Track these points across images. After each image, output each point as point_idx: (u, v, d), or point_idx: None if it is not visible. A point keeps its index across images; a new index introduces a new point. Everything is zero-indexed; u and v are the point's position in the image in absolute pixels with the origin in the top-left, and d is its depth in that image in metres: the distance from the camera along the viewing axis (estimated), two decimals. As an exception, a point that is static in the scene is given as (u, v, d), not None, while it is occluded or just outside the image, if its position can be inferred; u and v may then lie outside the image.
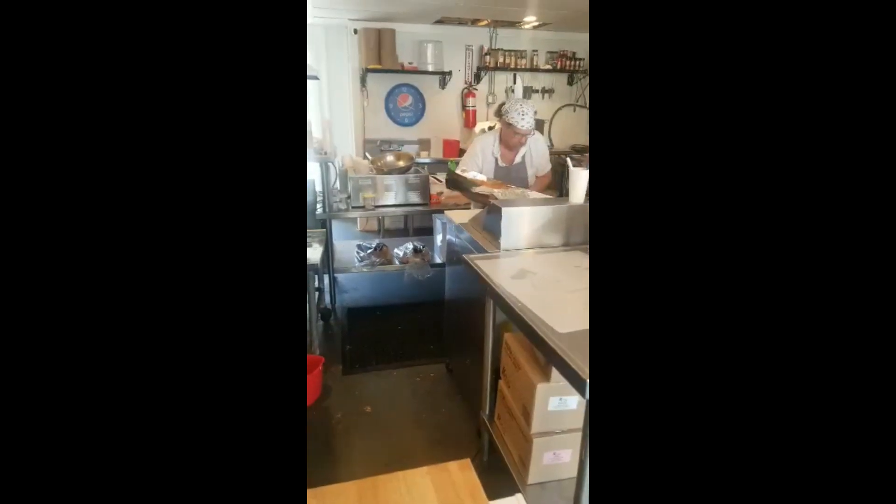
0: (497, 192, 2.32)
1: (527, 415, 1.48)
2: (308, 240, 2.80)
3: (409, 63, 4.71)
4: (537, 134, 2.64)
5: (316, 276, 3.12)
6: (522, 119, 2.37)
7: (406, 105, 4.94)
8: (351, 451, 1.97)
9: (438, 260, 3.30)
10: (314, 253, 2.70)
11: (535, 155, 2.62)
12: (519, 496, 0.80)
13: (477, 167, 2.55)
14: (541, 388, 1.42)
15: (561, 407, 1.45)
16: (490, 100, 5.13)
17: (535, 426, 1.46)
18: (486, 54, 4.92)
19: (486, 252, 1.74)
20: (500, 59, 4.93)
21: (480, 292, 1.64)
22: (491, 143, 2.57)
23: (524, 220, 1.77)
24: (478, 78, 5.02)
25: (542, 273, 1.51)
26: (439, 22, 4.59)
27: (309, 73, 2.44)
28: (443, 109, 5.04)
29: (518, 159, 2.59)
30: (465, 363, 2.23)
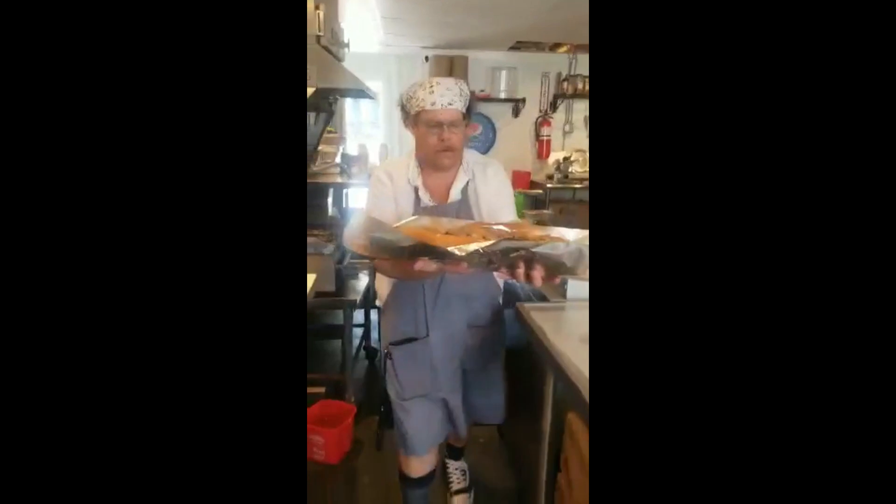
0: (454, 246, 0.93)
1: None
2: (355, 270, 2.59)
3: (481, 91, 4.51)
4: (490, 161, 1.44)
5: (363, 311, 2.88)
6: (432, 93, 1.24)
7: (476, 134, 4.71)
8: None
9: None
10: (359, 284, 2.50)
11: (486, 190, 1.37)
12: None
13: (389, 209, 1.34)
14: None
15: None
16: (567, 129, 4.78)
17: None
18: (563, 80, 4.61)
19: (546, 301, 1.36)
20: (579, 86, 4.58)
21: (538, 354, 1.26)
22: (404, 166, 1.37)
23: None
24: (554, 106, 4.70)
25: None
26: (514, 48, 4.37)
27: (367, 92, 2.28)
28: (515, 139, 4.76)
29: (455, 195, 1.35)
30: (519, 428, 1.82)
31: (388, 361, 1.42)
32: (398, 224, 1.01)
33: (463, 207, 1.34)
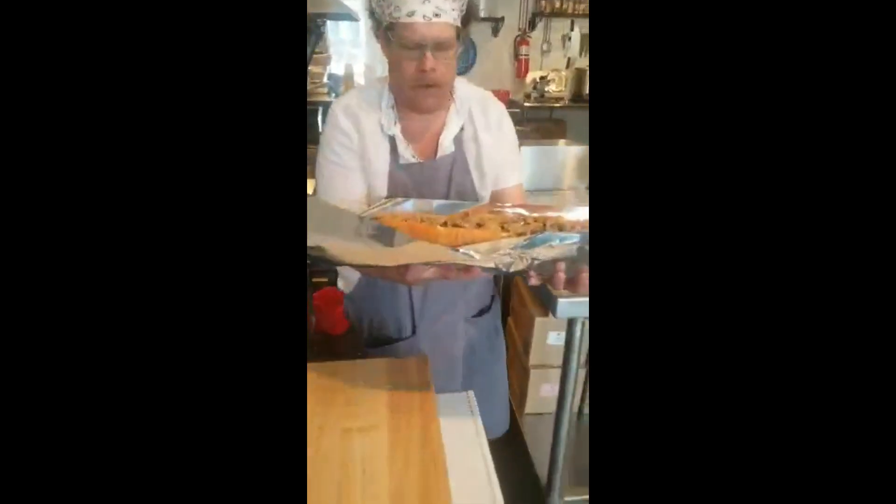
0: (470, 247, 0.64)
1: (526, 347, 1.53)
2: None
3: (461, 9, 4.59)
4: (490, 97, 1.02)
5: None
6: None
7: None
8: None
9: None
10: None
11: (489, 141, 0.99)
12: (470, 393, 0.85)
13: (355, 178, 0.96)
14: (539, 321, 1.45)
15: (560, 342, 1.48)
16: (545, 48, 4.92)
17: (533, 358, 1.50)
18: (542, -1, 4.68)
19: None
20: (557, 4, 4.68)
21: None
22: (374, 104, 0.95)
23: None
24: (532, 25, 4.81)
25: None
26: (494, -36, 4.40)
27: (352, 15, 2.47)
28: (494, 58, 4.91)
29: (447, 146, 0.97)
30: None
31: None
32: (372, 210, 0.73)
33: (458, 165, 0.96)
